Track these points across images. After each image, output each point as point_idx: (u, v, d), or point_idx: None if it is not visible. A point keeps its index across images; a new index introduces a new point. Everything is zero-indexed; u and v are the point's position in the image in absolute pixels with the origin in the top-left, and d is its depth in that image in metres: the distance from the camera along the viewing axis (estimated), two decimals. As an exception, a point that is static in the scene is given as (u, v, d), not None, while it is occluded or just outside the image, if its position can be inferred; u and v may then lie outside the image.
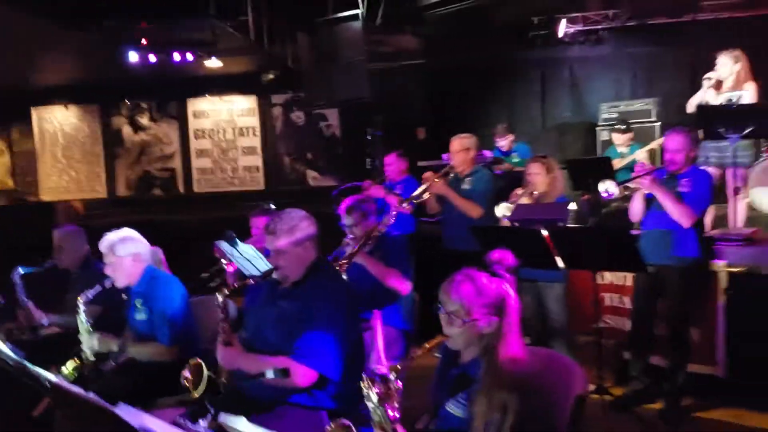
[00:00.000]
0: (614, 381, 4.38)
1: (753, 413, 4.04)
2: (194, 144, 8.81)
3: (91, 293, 3.54)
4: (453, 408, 2.25)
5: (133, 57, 6.43)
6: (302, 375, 2.66)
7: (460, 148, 5.25)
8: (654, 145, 6.57)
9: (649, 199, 4.19)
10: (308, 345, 2.70)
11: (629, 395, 4.29)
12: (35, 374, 3.00)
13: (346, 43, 6.53)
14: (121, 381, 3.36)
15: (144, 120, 8.84)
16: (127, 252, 3.54)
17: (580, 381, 2.25)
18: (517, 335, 2.25)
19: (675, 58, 8.18)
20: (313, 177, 8.84)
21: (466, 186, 5.19)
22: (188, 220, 7.86)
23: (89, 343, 3.45)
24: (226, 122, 8.78)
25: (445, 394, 2.32)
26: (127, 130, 8.79)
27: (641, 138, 7.04)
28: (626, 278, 4.66)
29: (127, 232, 3.62)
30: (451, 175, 5.15)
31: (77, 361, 3.44)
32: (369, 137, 5.42)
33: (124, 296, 3.87)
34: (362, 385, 2.14)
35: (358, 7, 6.70)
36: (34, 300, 4.30)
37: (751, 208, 5.73)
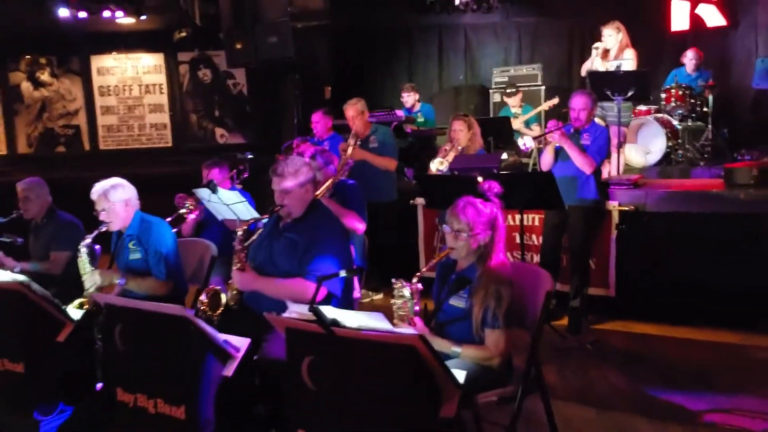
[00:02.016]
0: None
1: (637, 323, 5.04)
2: (99, 101, 8.69)
3: (89, 237, 3.79)
4: (456, 302, 2.91)
5: (63, 12, 6.32)
6: (314, 291, 3.18)
7: (356, 113, 5.80)
8: (545, 106, 7.48)
9: (557, 151, 4.99)
10: (318, 267, 3.23)
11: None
12: (58, 303, 3.35)
13: (267, 2, 6.80)
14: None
15: (45, 76, 8.60)
16: (119, 198, 3.83)
17: (548, 281, 2.95)
18: (503, 245, 2.93)
19: (554, 28, 9.11)
20: (221, 134, 9.03)
21: (373, 145, 5.74)
22: (94, 177, 7.88)
23: (92, 280, 3.73)
24: (132, 79, 8.73)
25: (446, 294, 2.97)
26: (26, 86, 8.51)
27: (529, 100, 7.95)
28: (535, 219, 5.47)
29: (116, 180, 3.91)
30: (359, 140, 5.58)
31: (83, 299, 3.72)
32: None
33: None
34: (396, 284, 2.75)
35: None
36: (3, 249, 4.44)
37: (624, 162, 6.76)
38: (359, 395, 2.35)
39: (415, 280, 2.82)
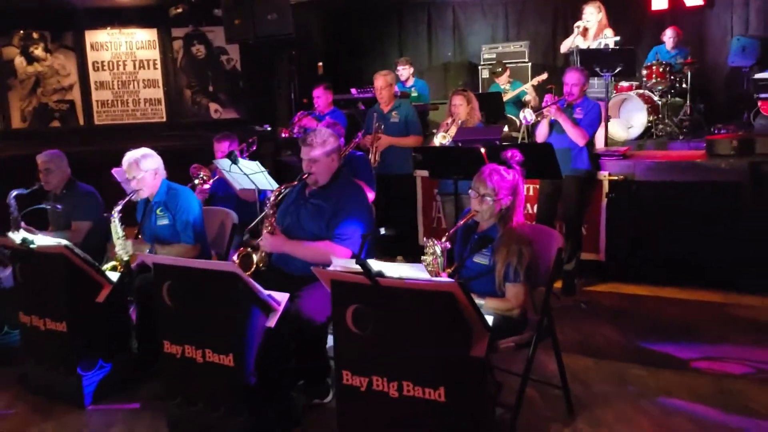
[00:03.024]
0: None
1: (626, 284, 5.40)
2: (93, 76, 8.76)
3: (120, 205, 4.00)
4: (479, 259, 3.21)
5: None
6: (342, 253, 3.44)
7: (385, 84, 5.95)
8: (534, 82, 7.76)
9: (552, 124, 5.29)
10: (345, 231, 3.49)
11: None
12: (98, 266, 3.58)
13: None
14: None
15: (38, 51, 8.63)
16: (149, 167, 4.04)
17: (558, 240, 3.26)
18: (522, 208, 3.23)
19: (539, 6, 9.37)
20: (215, 109, 9.17)
21: (394, 120, 5.90)
22: (89, 152, 7.98)
23: (124, 248, 3.94)
24: (126, 55, 8.81)
25: (468, 252, 3.26)
26: (20, 61, 8.54)
27: (516, 76, 8.22)
28: (530, 189, 5.77)
29: (146, 150, 4.11)
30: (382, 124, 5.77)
31: (116, 262, 3.94)
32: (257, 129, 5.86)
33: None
34: (428, 243, 3.03)
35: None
36: (25, 220, 4.62)
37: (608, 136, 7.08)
38: (400, 338, 2.64)
39: (444, 239, 3.10)
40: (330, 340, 3.58)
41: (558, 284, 5.37)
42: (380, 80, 5.97)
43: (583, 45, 6.81)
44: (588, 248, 5.52)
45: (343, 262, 2.79)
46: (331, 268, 2.81)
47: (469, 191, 3.25)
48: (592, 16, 6.72)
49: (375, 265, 2.58)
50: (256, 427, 3.09)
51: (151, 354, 3.94)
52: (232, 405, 3.07)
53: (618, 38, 6.59)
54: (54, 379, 3.70)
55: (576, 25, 6.77)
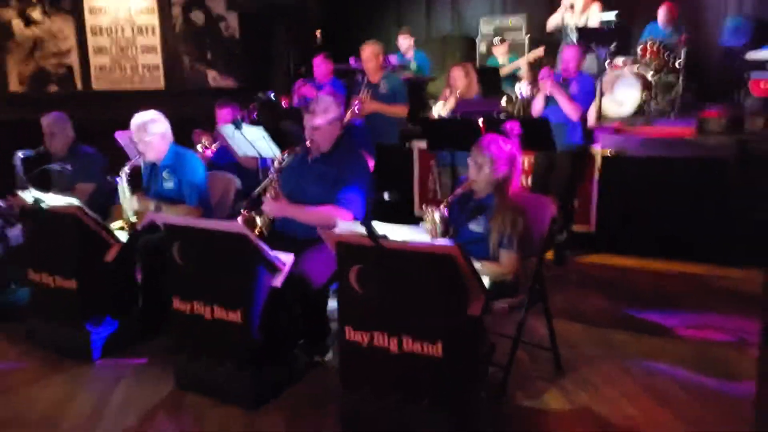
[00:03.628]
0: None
1: (615, 256, 5.56)
2: (91, 41, 8.75)
3: (128, 166, 4.11)
4: (474, 227, 3.35)
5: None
6: (344, 217, 3.56)
7: (372, 54, 5.85)
8: (531, 56, 7.85)
9: (548, 98, 5.41)
10: (347, 196, 3.62)
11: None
12: (107, 226, 3.69)
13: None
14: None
15: (36, 14, 8.60)
16: (157, 130, 4.14)
17: (552, 208, 3.40)
18: (518, 179, 3.36)
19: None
20: (213, 77, 9.20)
21: (383, 90, 5.85)
22: (87, 117, 7.99)
23: (130, 205, 4.06)
24: (125, 20, 8.80)
25: (464, 220, 3.40)
26: (17, 24, 8.52)
27: (514, 50, 8.30)
28: (524, 162, 5.89)
29: (154, 113, 4.20)
30: (371, 88, 5.76)
31: (123, 222, 4.06)
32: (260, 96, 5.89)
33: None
34: (426, 210, 3.17)
35: None
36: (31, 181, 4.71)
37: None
38: (401, 296, 2.78)
39: (443, 206, 3.24)
40: (331, 303, 3.76)
41: (549, 255, 5.54)
42: (367, 50, 5.87)
43: (571, 21, 6.89)
44: (579, 220, 5.69)
45: (347, 225, 2.92)
46: (336, 230, 2.94)
47: (468, 160, 3.38)
48: None
49: (378, 228, 2.72)
50: (260, 381, 3.25)
51: (155, 313, 4.09)
52: (238, 360, 3.22)
53: (614, 14, 6.68)
54: (63, 334, 3.84)
55: (564, 1, 6.85)
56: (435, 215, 3.17)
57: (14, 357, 3.92)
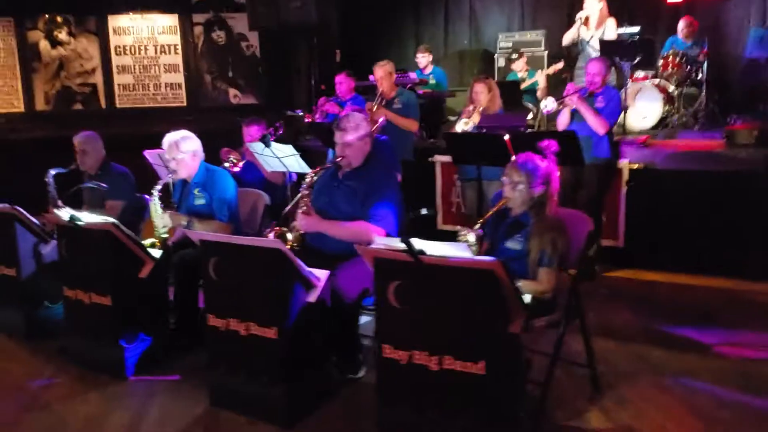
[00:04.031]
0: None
1: (644, 271, 5.52)
2: (115, 60, 8.88)
3: (160, 183, 4.14)
4: (512, 244, 3.33)
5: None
6: (376, 233, 3.56)
7: (384, 74, 5.97)
8: (549, 71, 7.86)
9: (573, 113, 5.39)
10: (379, 212, 3.62)
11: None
12: (142, 243, 3.71)
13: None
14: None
15: (62, 35, 8.75)
16: (189, 149, 4.18)
17: (588, 224, 3.39)
18: (555, 197, 3.34)
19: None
20: (234, 95, 9.29)
21: (397, 106, 5.95)
22: (110, 135, 8.10)
23: (162, 221, 4.08)
24: (148, 39, 8.93)
25: (500, 238, 3.39)
26: (44, 45, 8.66)
27: (532, 65, 8.32)
28: (550, 176, 5.87)
29: (185, 132, 4.24)
30: (384, 100, 5.90)
31: (155, 239, 4.08)
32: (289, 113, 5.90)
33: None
34: (461, 231, 3.17)
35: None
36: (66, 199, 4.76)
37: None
38: (441, 313, 2.77)
39: (477, 226, 3.23)
40: (362, 319, 3.75)
41: (573, 270, 5.49)
42: (379, 70, 5.98)
43: (587, 35, 6.88)
44: (607, 235, 5.64)
45: (385, 240, 2.92)
46: (373, 245, 2.94)
47: (502, 178, 3.36)
48: (593, 6, 6.79)
49: (418, 243, 2.71)
50: (295, 397, 3.24)
51: (186, 329, 4.10)
52: (273, 377, 3.21)
53: (637, 28, 6.67)
54: (96, 350, 3.85)
55: (578, 16, 6.84)
56: (470, 236, 3.16)
57: (49, 373, 3.93)
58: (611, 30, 6.66)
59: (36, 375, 3.92)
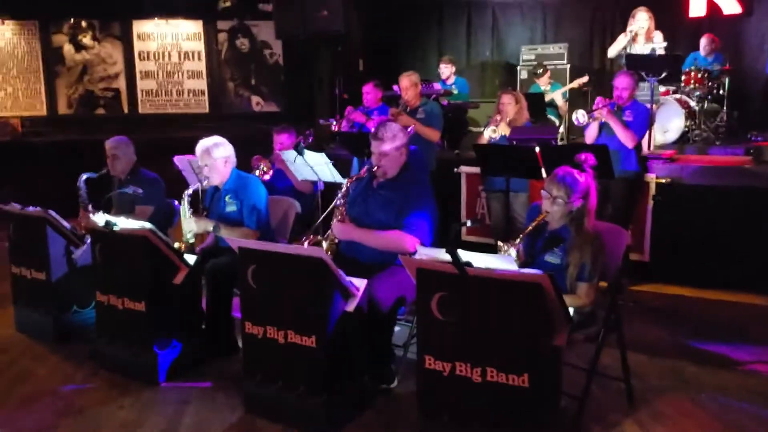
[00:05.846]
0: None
1: (669, 285, 5.50)
2: (139, 65, 8.95)
3: (191, 189, 4.16)
4: (550, 258, 3.32)
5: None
6: (411, 243, 3.55)
7: (410, 84, 6.01)
8: (574, 84, 7.87)
9: (601, 126, 5.39)
10: (414, 222, 3.63)
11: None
12: (177, 249, 3.71)
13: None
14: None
15: (87, 39, 8.82)
16: (221, 155, 4.19)
17: (626, 237, 3.38)
18: (593, 211, 3.33)
19: (577, 10, 9.47)
20: (257, 102, 9.34)
21: (420, 116, 5.97)
22: (134, 139, 8.14)
23: (189, 226, 4.09)
24: (171, 45, 8.99)
25: (539, 251, 3.38)
26: (68, 49, 8.73)
27: (554, 78, 8.33)
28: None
29: (218, 138, 4.26)
30: (408, 109, 5.95)
31: (180, 244, 4.09)
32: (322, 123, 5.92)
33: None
34: (502, 246, 3.17)
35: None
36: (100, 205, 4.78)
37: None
38: (485, 325, 2.77)
39: (517, 241, 3.23)
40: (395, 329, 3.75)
41: (604, 283, 5.48)
42: (405, 80, 6.03)
43: (633, 50, 6.88)
44: (633, 249, 5.61)
45: (427, 251, 2.92)
46: (417, 256, 2.95)
47: (542, 192, 3.36)
48: (645, 21, 6.79)
49: (463, 255, 2.71)
50: (333, 407, 3.23)
51: (217, 336, 4.11)
52: (311, 385, 3.21)
53: (665, 44, 6.67)
54: (130, 356, 3.86)
55: (629, 29, 6.83)
56: (511, 251, 3.16)
57: (82, 378, 3.94)
58: (659, 43, 6.65)
59: (68, 380, 3.93)
